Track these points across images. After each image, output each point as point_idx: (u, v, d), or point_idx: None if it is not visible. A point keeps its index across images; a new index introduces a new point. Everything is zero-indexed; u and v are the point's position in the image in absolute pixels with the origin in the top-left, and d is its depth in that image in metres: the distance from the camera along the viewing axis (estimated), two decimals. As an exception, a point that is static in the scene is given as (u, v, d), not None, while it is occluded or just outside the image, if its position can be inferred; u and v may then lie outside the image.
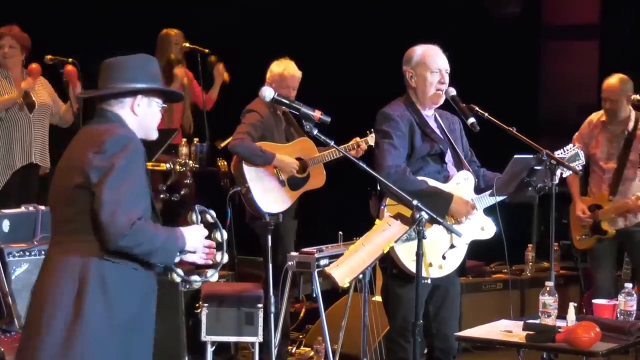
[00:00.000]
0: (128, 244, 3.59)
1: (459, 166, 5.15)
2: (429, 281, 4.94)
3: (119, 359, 3.69)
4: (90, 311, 3.62)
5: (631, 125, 6.82)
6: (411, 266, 4.76)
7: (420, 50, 5.12)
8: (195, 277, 3.87)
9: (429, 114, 5.16)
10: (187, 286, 3.92)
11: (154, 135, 3.94)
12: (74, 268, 3.65)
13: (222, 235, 3.88)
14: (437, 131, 5.14)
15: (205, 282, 3.97)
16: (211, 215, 3.89)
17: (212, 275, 3.89)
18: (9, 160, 7.04)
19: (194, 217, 3.85)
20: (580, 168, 5.28)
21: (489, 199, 5.09)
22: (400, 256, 4.87)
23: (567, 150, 5.18)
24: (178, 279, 3.83)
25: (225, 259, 3.90)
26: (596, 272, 7.00)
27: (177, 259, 3.78)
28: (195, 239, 3.81)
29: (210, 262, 3.90)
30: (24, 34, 7.17)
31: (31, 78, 7.04)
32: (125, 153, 3.64)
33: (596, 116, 6.97)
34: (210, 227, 3.89)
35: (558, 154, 5.08)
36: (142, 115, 3.84)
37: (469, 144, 5.31)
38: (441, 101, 5.13)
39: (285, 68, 6.49)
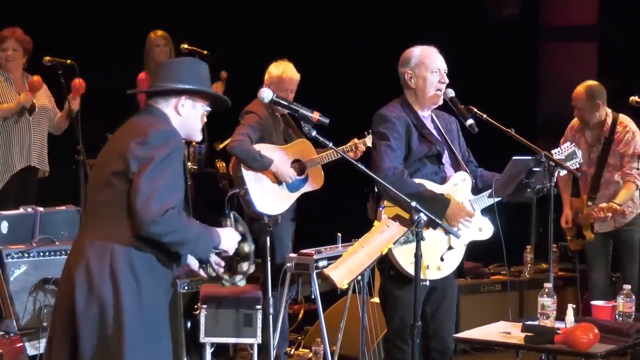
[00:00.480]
0: (159, 231, 3.70)
1: (456, 167, 5.14)
2: (427, 283, 4.94)
3: (145, 336, 3.81)
4: (125, 290, 3.73)
5: (607, 129, 6.76)
6: (409, 268, 4.75)
7: (418, 51, 5.11)
8: (226, 277, 4.08)
9: (425, 115, 5.15)
10: (227, 284, 4.10)
11: (196, 136, 4.07)
12: (104, 250, 3.75)
13: (250, 247, 4.09)
14: (434, 132, 5.12)
15: (233, 284, 4.16)
16: (243, 226, 4.10)
17: (240, 281, 4.12)
18: (7, 162, 7.02)
19: (229, 223, 4.05)
20: (578, 166, 5.27)
21: (486, 200, 5.08)
22: (398, 258, 4.86)
23: (565, 148, 5.18)
24: (213, 274, 4.02)
25: (252, 269, 4.13)
26: (590, 272, 6.97)
27: (212, 257, 3.97)
28: (230, 241, 3.98)
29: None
30: (27, 37, 7.16)
31: (30, 92, 7.02)
32: (167, 147, 3.76)
33: (576, 121, 6.91)
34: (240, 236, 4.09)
35: (555, 152, 5.08)
36: (185, 116, 3.95)
37: (467, 145, 5.30)
38: (440, 101, 5.12)
39: (283, 71, 6.45)
